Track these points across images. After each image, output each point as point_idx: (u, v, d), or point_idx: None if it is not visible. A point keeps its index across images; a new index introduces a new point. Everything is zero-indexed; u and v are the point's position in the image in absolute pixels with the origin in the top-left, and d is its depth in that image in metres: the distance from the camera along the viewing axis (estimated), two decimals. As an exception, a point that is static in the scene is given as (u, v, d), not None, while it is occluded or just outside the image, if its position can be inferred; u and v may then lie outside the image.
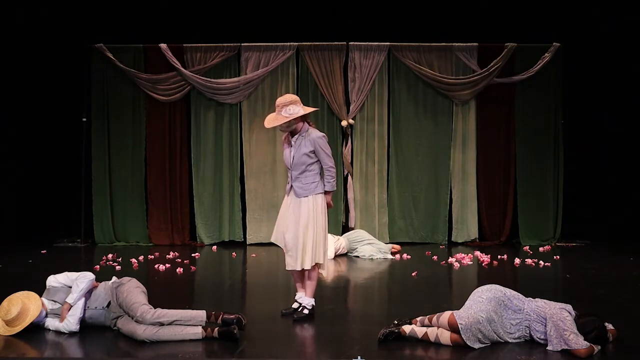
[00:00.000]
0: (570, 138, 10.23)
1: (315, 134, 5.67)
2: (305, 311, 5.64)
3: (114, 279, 5.37)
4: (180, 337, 4.87)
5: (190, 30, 10.05)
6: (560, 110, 10.18)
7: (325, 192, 5.74)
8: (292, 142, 5.70)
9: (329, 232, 9.51)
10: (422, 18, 10.04)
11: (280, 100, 5.66)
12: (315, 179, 5.68)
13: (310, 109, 5.74)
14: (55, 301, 5.16)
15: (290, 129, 5.66)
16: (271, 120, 5.66)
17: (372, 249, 9.09)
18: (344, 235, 9.46)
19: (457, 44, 10.10)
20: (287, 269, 5.74)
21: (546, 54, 10.00)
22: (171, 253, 9.02)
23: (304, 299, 5.71)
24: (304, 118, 5.68)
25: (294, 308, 5.75)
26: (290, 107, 5.58)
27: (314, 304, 5.72)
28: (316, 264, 5.68)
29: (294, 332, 5.41)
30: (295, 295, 5.84)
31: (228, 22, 10.03)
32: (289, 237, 5.65)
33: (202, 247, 9.97)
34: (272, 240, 5.92)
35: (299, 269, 5.64)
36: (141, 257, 8.71)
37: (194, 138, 10.19)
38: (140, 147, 10.18)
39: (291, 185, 5.70)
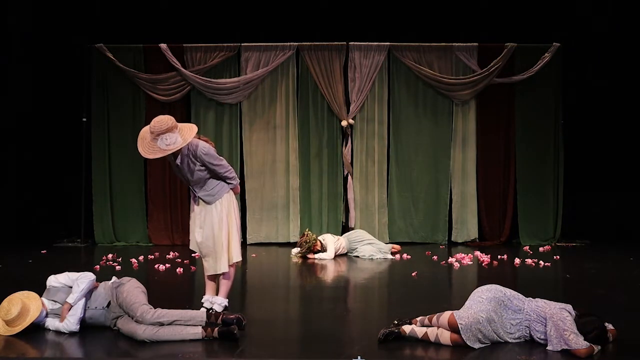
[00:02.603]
0: (570, 138, 10.23)
1: (198, 151, 5.28)
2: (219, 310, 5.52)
3: (114, 279, 5.36)
4: (180, 337, 4.86)
5: (190, 30, 10.05)
6: (560, 110, 10.19)
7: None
8: (178, 163, 5.38)
9: (329, 232, 9.66)
10: (422, 18, 10.04)
11: (154, 125, 5.10)
12: (218, 181, 5.51)
13: (189, 134, 5.19)
14: (55, 301, 5.16)
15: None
16: (147, 148, 5.13)
17: (372, 249, 9.09)
18: (344, 235, 9.46)
19: (457, 44, 10.11)
20: (207, 274, 5.65)
21: (546, 54, 10.00)
22: (171, 253, 9.02)
23: (217, 299, 5.62)
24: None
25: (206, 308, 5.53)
26: (166, 136, 5.10)
27: (226, 304, 5.62)
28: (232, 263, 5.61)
29: (294, 332, 5.42)
30: (203, 296, 5.72)
31: (228, 22, 10.03)
32: (204, 244, 5.54)
33: (202, 247, 9.96)
34: (191, 247, 5.75)
35: (220, 272, 5.56)
36: (141, 257, 8.71)
37: (194, 138, 10.19)
38: (140, 147, 10.16)
39: (197, 196, 5.53)
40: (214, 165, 5.42)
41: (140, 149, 5.20)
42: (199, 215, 5.59)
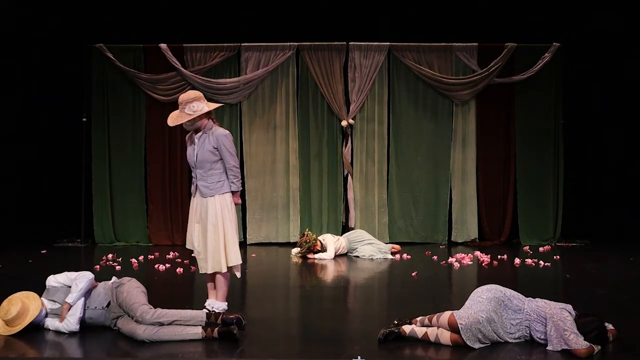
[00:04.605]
0: (570, 138, 10.23)
1: (219, 131, 5.56)
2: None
3: (114, 279, 5.37)
4: (180, 337, 4.86)
5: (190, 30, 10.05)
6: (560, 110, 10.19)
7: (232, 192, 5.64)
8: (196, 140, 5.58)
9: (329, 232, 9.65)
10: (422, 18, 10.04)
11: (183, 97, 5.55)
12: (221, 177, 5.57)
13: (214, 105, 5.63)
14: (54, 301, 5.16)
15: (195, 127, 5.55)
16: (175, 118, 5.54)
17: (372, 249, 9.09)
18: (344, 235, 9.46)
19: (457, 44, 10.10)
20: (200, 272, 5.68)
21: (546, 54, 10.00)
22: (171, 253, 9.02)
23: (216, 303, 5.63)
24: (208, 115, 5.57)
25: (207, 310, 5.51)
26: (194, 104, 5.47)
27: (226, 308, 5.63)
28: (228, 267, 5.60)
29: (294, 332, 5.43)
30: (205, 301, 5.73)
31: (228, 22, 10.03)
32: (198, 241, 5.57)
33: (202, 247, 9.95)
34: (187, 246, 5.78)
35: (210, 272, 5.57)
36: (141, 257, 8.71)
37: (194, 138, 10.19)
38: (140, 147, 10.18)
39: (196, 185, 5.60)
40: (227, 151, 5.53)
41: (169, 123, 5.58)
42: (196, 211, 5.62)
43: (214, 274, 5.65)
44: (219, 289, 5.65)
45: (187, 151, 5.68)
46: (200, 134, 5.56)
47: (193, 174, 5.66)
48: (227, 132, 5.61)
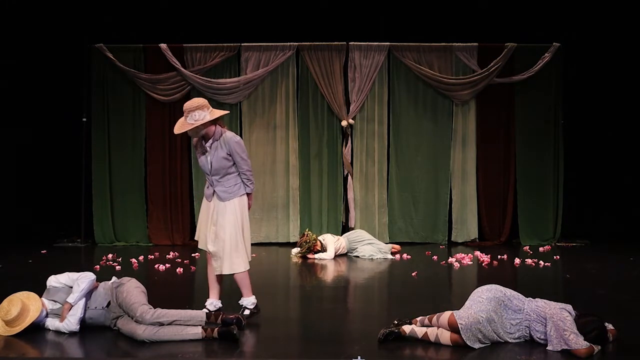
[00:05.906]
0: (570, 138, 10.23)
1: (230, 137, 5.49)
2: (247, 312, 5.50)
3: (114, 279, 5.37)
4: (180, 337, 4.87)
5: (190, 30, 10.05)
6: (560, 110, 10.19)
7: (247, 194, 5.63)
8: (208, 148, 5.52)
9: (329, 232, 9.66)
10: (422, 18, 10.04)
11: (186, 105, 5.44)
12: (237, 180, 5.55)
13: (218, 114, 5.48)
14: (55, 301, 5.16)
15: (200, 135, 5.48)
16: (180, 126, 5.49)
17: (372, 249, 9.09)
18: (344, 235, 9.46)
19: (457, 44, 10.10)
20: (215, 273, 5.62)
21: (546, 54, 10.00)
22: (171, 253, 9.02)
23: (244, 300, 5.57)
24: (215, 122, 5.48)
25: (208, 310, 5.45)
26: (195, 112, 5.36)
27: (255, 301, 5.58)
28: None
29: (294, 332, 5.43)
30: (207, 300, 5.69)
31: (228, 22, 10.03)
32: (215, 242, 5.52)
33: (202, 247, 9.95)
34: (200, 246, 5.76)
35: (226, 272, 5.52)
36: (141, 257, 8.71)
37: (193, 138, 10.19)
38: (140, 147, 10.18)
39: (213, 191, 5.56)
40: (240, 157, 5.50)
41: (174, 131, 5.54)
42: (212, 213, 5.58)
43: (220, 275, 5.62)
44: (243, 286, 5.56)
45: (200, 160, 5.61)
46: (210, 141, 5.50)
47: (208, 180, 5.61)
48: (238, 137, 5.55)
